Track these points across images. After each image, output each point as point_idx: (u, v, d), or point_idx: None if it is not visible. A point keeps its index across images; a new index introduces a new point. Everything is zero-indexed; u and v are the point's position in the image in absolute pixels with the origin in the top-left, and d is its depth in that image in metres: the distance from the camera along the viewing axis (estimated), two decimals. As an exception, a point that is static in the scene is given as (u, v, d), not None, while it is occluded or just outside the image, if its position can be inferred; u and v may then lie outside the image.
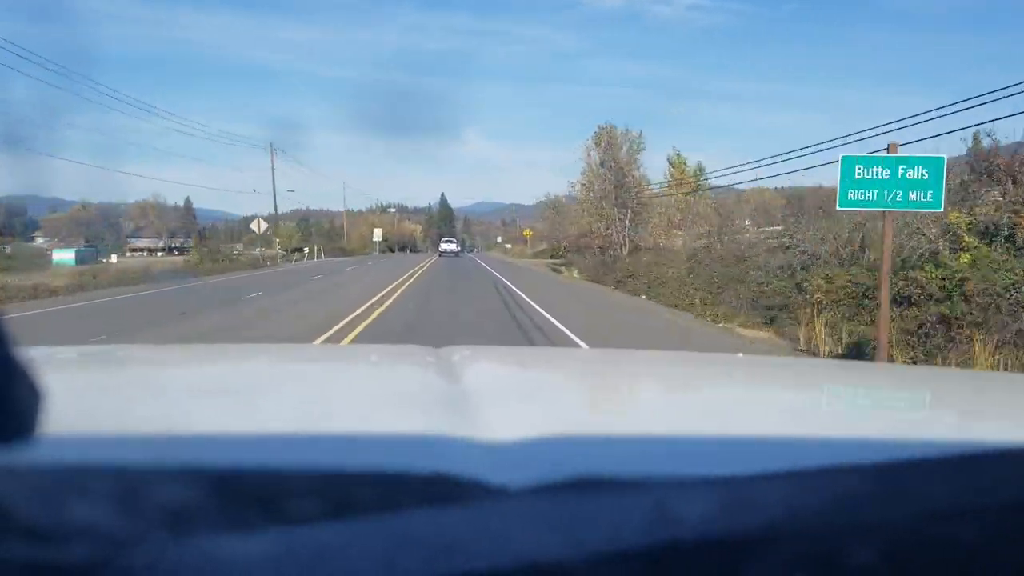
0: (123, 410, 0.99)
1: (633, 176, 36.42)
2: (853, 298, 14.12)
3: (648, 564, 0.44)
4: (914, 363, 10.28)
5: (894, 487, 0.49)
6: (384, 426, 0.88)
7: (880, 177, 8.65)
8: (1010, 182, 14.36)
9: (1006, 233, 13.34)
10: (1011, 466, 0.52)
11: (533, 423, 0.84)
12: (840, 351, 11.94)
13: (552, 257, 54.78)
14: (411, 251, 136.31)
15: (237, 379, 1.38)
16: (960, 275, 11.71)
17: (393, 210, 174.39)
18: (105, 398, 1.11)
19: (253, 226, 43.84)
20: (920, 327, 11.56)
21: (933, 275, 11.99)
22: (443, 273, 34.22)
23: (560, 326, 13.60)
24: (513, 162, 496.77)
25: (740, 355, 2.15)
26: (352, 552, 0.45)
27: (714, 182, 33.74)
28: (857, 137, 13.20)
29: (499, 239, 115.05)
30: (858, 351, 11.49)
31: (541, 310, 16.52)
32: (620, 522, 0.46)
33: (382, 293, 21.00)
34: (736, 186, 37.64)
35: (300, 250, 63.10)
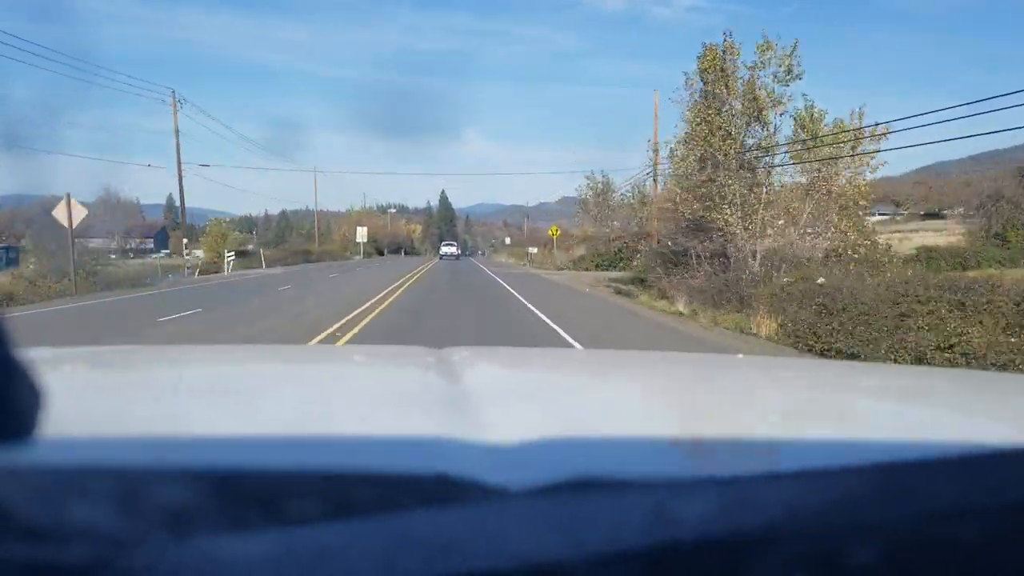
0: (123, 411, 0.99)
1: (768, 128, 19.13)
2: None
3: (648, 565, 0.44)
4: None
5: (894, 487, 0.49)
6: (384, 427, 0.88)
7: None
8: None
9: None
10: (1011, 466, 0.52)
11: (533, 424, 0.84)
12: None
13: (602, 267, 38.75)
14: (406, 253, 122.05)
15: (237, 380, 1.38)
16: None
17: (393, 210, 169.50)
18: (105, 399, 1.11)
19: (57, 213, 21.96)
20: None
21: None
22: (434, 306, 17.95)
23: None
24: (514, 163, 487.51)
25: (740, 356, 2.19)
26: (352, 553, 0.45)
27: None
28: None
29: (506, 240, 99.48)
30: None
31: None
32: (620, 523, 0.46)
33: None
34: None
35: (246, 254, 47.80)
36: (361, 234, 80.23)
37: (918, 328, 10.07)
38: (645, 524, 0.46)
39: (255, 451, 0.74)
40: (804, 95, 20.13)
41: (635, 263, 30.71)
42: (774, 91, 18.88)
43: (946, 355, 9.56)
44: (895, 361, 9.68)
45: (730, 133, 19.19)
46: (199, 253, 39.82)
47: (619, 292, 22.99)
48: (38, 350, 1.25)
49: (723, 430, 0.94)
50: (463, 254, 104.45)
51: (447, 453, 0.73)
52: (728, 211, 18.34)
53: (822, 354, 10.85)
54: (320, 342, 11.04)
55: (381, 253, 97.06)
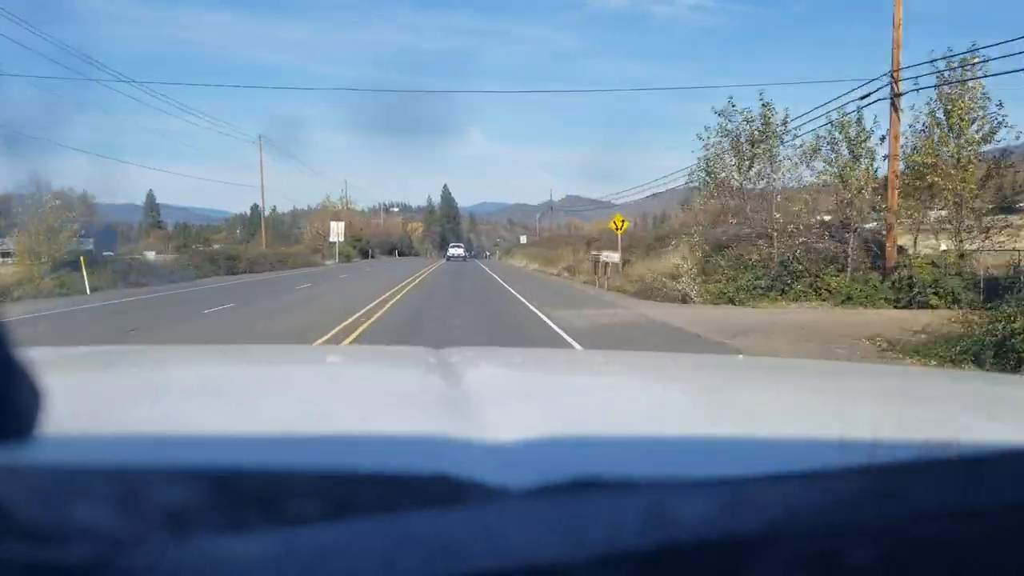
0: (123, 411, 1.00)
1: None
2: None
3: (648, 565, 0.44)
4: None
5: (893, 488, 0.50)
6: (384, 427, 0.88)
7: None
8: None
9: None
10: (1009, 467, 0.52)
11: (533, 424, 0.84)
12: None
13: (760, 291, 18.78)
14: (400, 254, 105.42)
15: (237, 380, 1.39)
16: None
17: (395, 209, 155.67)
18: (105, 399, 1.11)
19: None
20: None
21: None
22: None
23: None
24: (516, 162, 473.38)
25: (740, 357, 2.26)
26: (352, 553, 0.45)
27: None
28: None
29: (522, 239, 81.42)
30: None
31: None
32: (620, 523, 0.46)
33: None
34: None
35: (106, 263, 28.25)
36: (336, 231, 62.53)
37: None
38: (644, 524, 0.46)
39: (255, 451, 0.74)
40: None
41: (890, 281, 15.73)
42: None
43: None
44: None
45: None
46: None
47: None
48: (38, 350, 1.24)
49: (722, 431, 0.94)
50: (468, 255, 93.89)
51: (447, 453, 0.73)
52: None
53: None
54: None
55: (367, 255, 79.52)
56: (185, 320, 15.74)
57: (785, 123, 20.92)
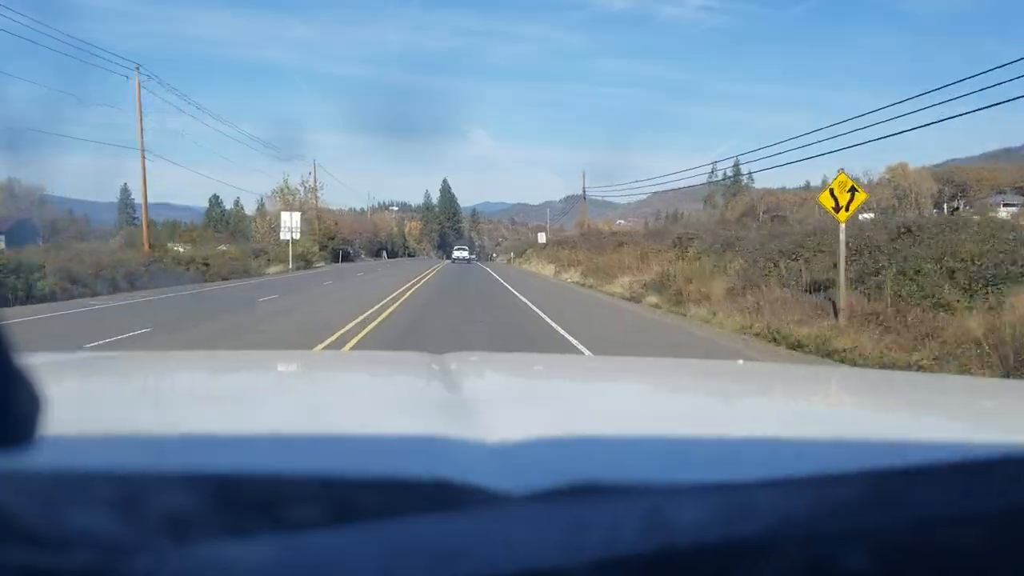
0: (124, 416, 0.99)
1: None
2: None
3: (647, 570, 0.44)
4: None
5: (890, 493, 0.50)
6: (385, 432, 0.89)
7: None
8: None
9: None
10: (1006, 472, 0.52)
11: (533, 429, 0.84)
12: None
13: None
14: (391, 256, 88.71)
15: (238, 385, 1.39)
16: None
17: (395, 208, 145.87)
18: (106, 404, 1.11)
19: None
20: None
21: None
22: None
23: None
24: (517, 162, 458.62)
25: (740, 362, 2.18)
26: (353, 558, 0.45)
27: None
28: None
29: (541, 238, 63.41)
30: None
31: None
32: (619, 528, 0.46)
33: None
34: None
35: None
36: (289, 224, 45.29)
37: None
38: (644, 529, 0.46)
39: (256, 456, 0.74)
40: None
41: None
42: None
43: None
44: None
45: None
46: None
47: None
48: (38, 355, 1.23)
49: (721, 436, 0.94)
50: (472, 258, 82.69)
51: (448, 458, 0.73)
52: None
53: None
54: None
55: (341, 258, 62.59)
56: None
57: None
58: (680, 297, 17.88)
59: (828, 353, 10.64)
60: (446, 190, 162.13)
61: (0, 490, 0.48)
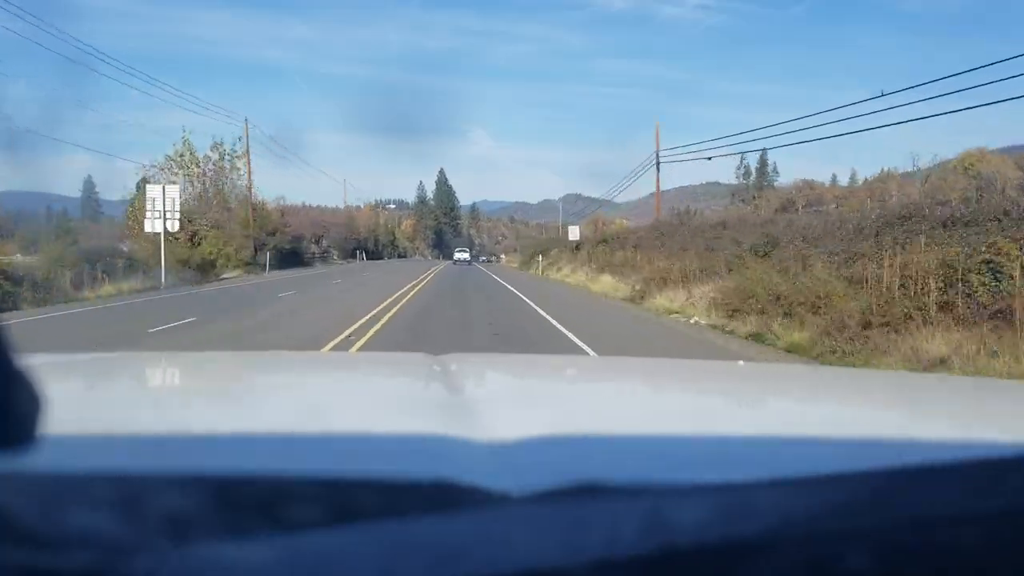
0: (124, 417, 0.99)
1: None
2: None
3: (647, 570, 0.44)
4: None
5: (890, 493, 0.50)
6: (386, 432, 0.89)
7: None
8: None
9: None
10: (1006, 472, 0.52)
11: (534, 429, 0.84)
12: None
13: None
14: (371, 256, 71.97)
15: (238, 385, 1.38)
16: None
17: (392, 206, 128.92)
18: (106, 404, 1.11)
19: None
20: None
21: None
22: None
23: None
24: (515, 161, 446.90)
25: (741, 363, 2.17)
26: (353, 558, 0.44)
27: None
28: None
29: (573, 233, 43.77)
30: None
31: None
32: (619, 528, 0.46)
33: None
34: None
35: None
36: (161, 207, 27.28)
37: None
38: (644, 530, 0.46)
39: (256, 457, 0.74)
40: None
41: None
42: None
43: None
44: None
45: None
46: None
47: None
48: (38, 356, 1.22)
49: (721, 436, 0.93)
50: (472, 259, 74.23)
51: (448, 458, 0.73)
52: None
53: None
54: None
55: (301, 261, 44.40)
56: None
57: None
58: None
59: None
60: (442, 182, 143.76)
61: (0, 490, 0.48)
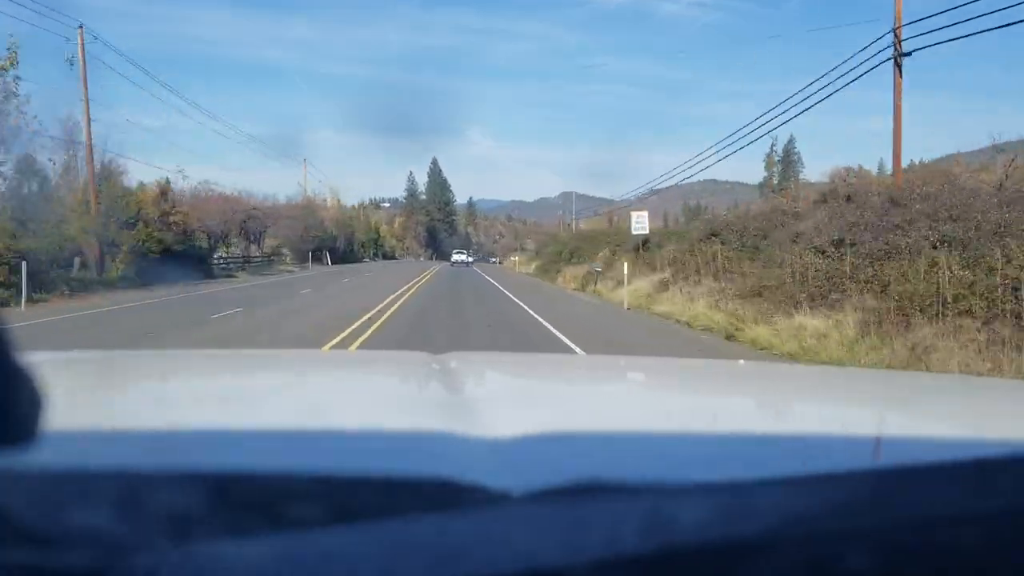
0: (125, 415, 0.99)
1: None
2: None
3: (647, 569, 0.44)
4: None
5: (890, 493, 0.50)
6: (386, 431, 0.88)
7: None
8: None
9: None
10: (1007, 472, 0.52)
11: (534, 428, 0.84)
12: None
13: None
14: (337, 260, 56.64)
15: (239, 385, 1.37)
16: None
17: (387, 204, 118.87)
18: (107, 403, 1.11)
19: None
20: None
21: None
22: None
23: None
24: (513, 160, 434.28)
25: (741, 362, 2.18)
26: (354, 557, 0.44)
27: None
28: None
29: (638, 224, 26.20)
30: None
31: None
32: (620, 527, 0.46)
33: None
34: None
35: None
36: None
37: None
38: (644, 529, 0.46)
39: (256, 455, 0.74)
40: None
41: None
42: None
43: None
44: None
45: None
46: None
47: None
48: (39, 354, 1.26)
49: (721, 436, 0.93)
50: (472, 260, 67.60)
51: (449, 457, 0.73)
52: None
53: None
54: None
55: (204, 261, 28.84)
56: None
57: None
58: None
59: None
60: (435, 174, 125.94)
61: (1, 489, 0.48)
